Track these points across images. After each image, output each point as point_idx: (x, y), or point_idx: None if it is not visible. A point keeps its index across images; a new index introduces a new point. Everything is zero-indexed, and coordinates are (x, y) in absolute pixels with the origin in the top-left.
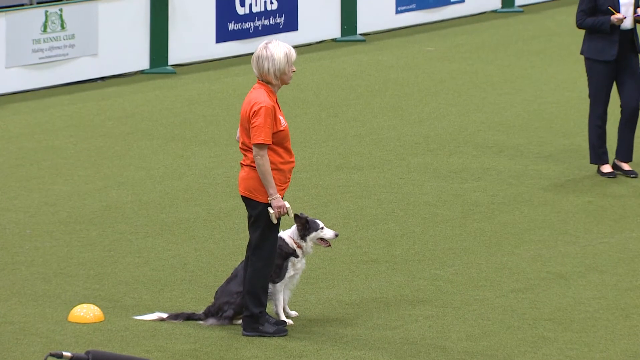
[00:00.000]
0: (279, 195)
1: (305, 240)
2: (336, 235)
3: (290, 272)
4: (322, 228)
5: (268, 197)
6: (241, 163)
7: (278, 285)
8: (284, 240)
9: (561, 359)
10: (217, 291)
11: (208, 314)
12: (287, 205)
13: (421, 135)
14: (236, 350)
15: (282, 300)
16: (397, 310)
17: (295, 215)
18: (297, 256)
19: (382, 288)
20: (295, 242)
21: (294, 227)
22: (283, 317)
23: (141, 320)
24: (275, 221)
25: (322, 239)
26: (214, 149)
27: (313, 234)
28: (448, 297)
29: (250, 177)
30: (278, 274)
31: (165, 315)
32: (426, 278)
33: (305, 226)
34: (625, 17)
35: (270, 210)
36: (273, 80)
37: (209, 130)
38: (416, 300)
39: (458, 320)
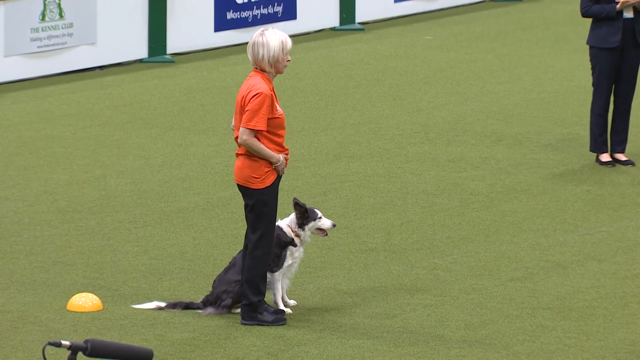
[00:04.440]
0: (279, 156)
1: (303, 229)
2: (334, 225)
3: (288, 261)
4: (320, 217)
5: (273, 165)
6: (236, 153)
7: (276, 274)
8: (281, 229)
9: (559, 347)
10: (215, 280)
11: (206, 303)
12: (282, 158)
13: (420, 124)
14: (235, 339)
15: (280, 289)
16: (395, 299)
17: (295, 204)
18: (295, 245)
19: (381, 277)
20: (293, 231)
21: (292, 215)
22: (282, 306)
23: (140, 309)
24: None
25: (320, 229)
26: (213, 137)
27: (311, 224)
28: (446, 286)
29: (246, 166)
30: (276, 263)
31: (163, 304)
32: (425, 267)
33: (304, 215)
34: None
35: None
36: (267, 67)
37: (208, 119)
38: (415, 289)
39: (456, 309)
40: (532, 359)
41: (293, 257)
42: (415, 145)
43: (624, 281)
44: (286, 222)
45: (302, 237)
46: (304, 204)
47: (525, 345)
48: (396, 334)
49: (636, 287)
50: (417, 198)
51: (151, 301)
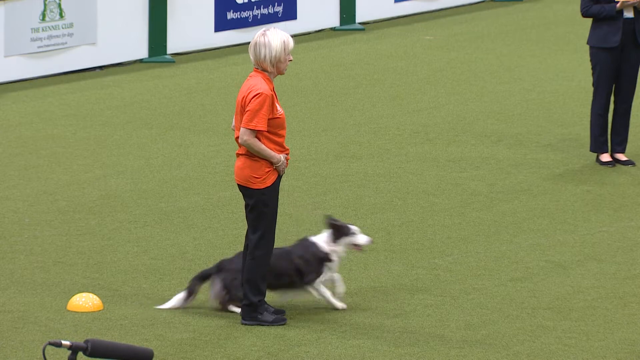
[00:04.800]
0: (280, 156)
1: (337, 245)
2: (370, 242)
3: (326, 275)
4: (354, 233)
5: (274, 165)
6: (237, 153)
7: (315, 284)
8: (316, 245)
9: (560, 347)
10: (232, 259)
11: (220, 268)
12: (283, 158)
13: (420, 124)
14: (235, 339)
15: (327, 291)
16: (395, 299)
17: (328, 222)
18: (331, 260)
19: (381, 277)
20: (329, 246)
21: (327, 232)
22: (336, 303)
23: (159, 309)
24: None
25: (355, 244)
26: (213, 138)
27: (345, 239)
28: (447, 286)
29: (246, 166)
30: (313, 277)
31: (183, 297)
32: (425, 267)
33: (338, 231)
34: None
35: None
36: (269, 67)
37: (208, 119)
38: (415, 289)
39: (457, 309)
40: (532, 359)
41: (331, 271)
42: (415, 145)
43: (624, 281)
44: (321, 238)
45: (337, 252)
46: (337, 221)
47: (525, 345)
48: (396, 334)
49: (636, 287)
50: (418, 198)
51: (170, 300)
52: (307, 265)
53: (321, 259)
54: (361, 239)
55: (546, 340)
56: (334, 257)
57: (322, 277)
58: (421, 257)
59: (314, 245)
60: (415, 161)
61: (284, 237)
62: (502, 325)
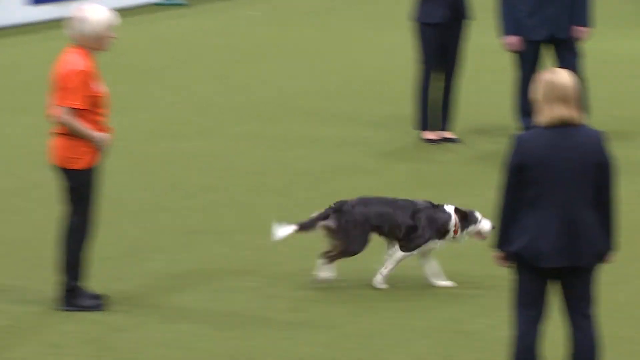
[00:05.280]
0: (101, 134)
1: (462, 232)
2: (494, 228)
3: (427, 247)
4: (479, 221)
5: (94, 145)
6: (53, 132)
7: (410, 252)
8: (448, 218)
9: (386, 327)
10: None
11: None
12: (103, 137)
13: (244, 103)
14: (54, 325)
15: (394, 265)
16: (220, 281)
17: (456, 209)
18: (442, 239)
19: (205, 259)
20: (455, 227)
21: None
22: (381, 285)
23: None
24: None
25: (480, 233)
26: (29, 117)
27: (471, 227)
28: (273, 268)
29: (63, 146)
30: (415, 244)
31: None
32: (251, 249)
33: (465, 219)
34: None
35: None
36: (88, 44)
37: (23, 98)
38: (241, 271)
39: (283, 291)
40: (360, 339)
41: (433, 247)
42: (241, 124)
43: (449, 260)
44: (456, 216)
45: (457, 237)
46: (462, 208)
47: (353, 325)
48: (221, 317)
49: (462, 265)
50: (244, 178)
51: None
52: (425, 229)
53: (439, 232)
54: (486, 225)
55: (375, 320)
56: (449, 238)
57: (422, 248)
58: (248, 239)
59: (447, 216)
60: (240, 140)
61: (104, 218)
62: (330, 306)
